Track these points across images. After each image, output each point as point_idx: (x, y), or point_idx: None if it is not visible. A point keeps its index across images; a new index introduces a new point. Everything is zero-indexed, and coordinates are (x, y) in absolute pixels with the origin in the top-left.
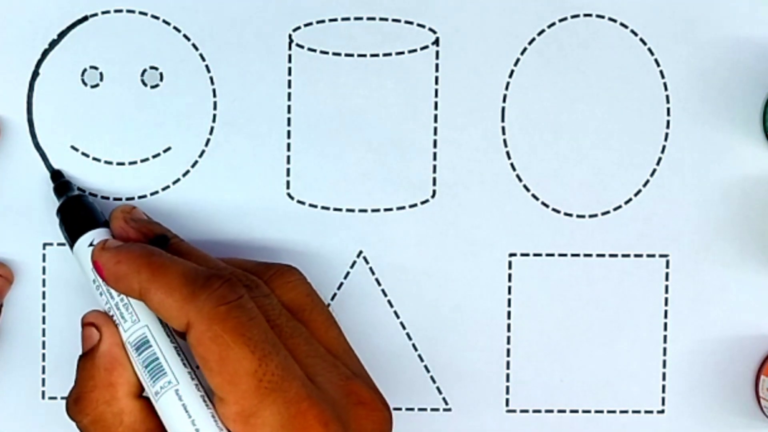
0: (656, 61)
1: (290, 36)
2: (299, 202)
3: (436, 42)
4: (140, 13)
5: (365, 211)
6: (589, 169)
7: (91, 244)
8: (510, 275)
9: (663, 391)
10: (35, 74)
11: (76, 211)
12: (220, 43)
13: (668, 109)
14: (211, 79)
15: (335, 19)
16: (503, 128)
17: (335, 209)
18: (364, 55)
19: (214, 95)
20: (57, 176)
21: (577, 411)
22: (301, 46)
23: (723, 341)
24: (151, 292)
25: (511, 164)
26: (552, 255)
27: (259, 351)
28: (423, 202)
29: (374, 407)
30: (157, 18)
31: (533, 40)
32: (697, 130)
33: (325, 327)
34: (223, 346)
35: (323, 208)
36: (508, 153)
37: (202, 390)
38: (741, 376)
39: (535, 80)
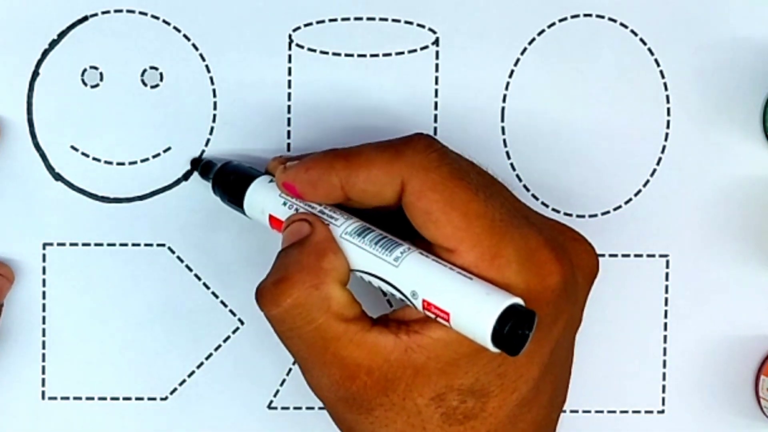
0: (656, 61)
1: (290, 36)
2: None
3: (436, 42)
4: (140, 13)
5: None
6: (589, 169)
7: (270, 180)
8: None
9: (663, 391)
10: (35, 74)
11: (228, 176)
12: (220, 43)
13: (668, 109)
14: (211, 79)
15: (335, 19)
16: (503, 128)
17: None
18: (364, 55)
19: (214, 95)
20: (196, 163)
21: (577, 411)
22: (301, 46)
23: (723, 341)
24: (352, 176)
25: (511, 164)
26: None
27: (481, 192)
28: None
29: (587, 242)
30: (157, 18)
31: (533, 40)
32: (697, 130)
33: (499, 182)
34: (446, 193)
35: None
36: (508, 153)
37: (425, 253)
38: (741, 376)
39: (535, 80)
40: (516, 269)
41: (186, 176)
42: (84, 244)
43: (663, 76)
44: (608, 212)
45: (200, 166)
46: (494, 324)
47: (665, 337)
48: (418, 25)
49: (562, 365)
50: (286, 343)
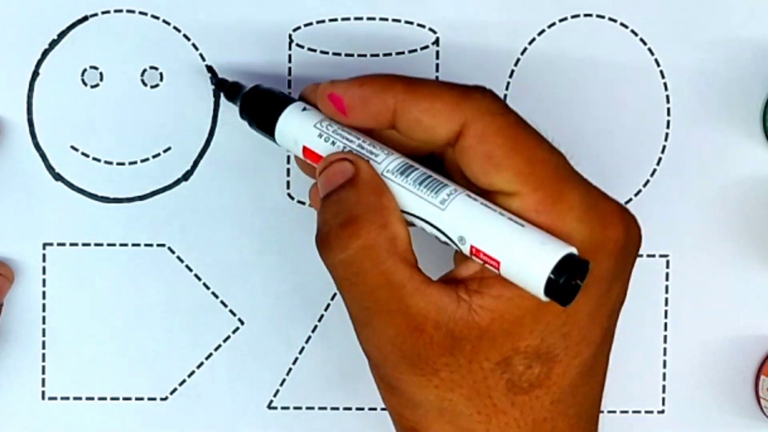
0: (656, 61)
1: (290, 36)
2: (299, 202)
3: (436, 42)
4: (140, 13)
5: None
6: (589, 169)
7: (304, 109)
8: None
9: (663, 391)
10: (35, 74)
11: (259, 100)
12: (220, 43)
13: (668, 109)
14: (211, 79)
15: (335, 19)
16: None
17: None
18: (364, 55)
19: (214, 95)
20: (222, 84)
21: None
22: (301, 46)
23: (723, 341)
24: (412, 103)
25: None
26: None
27: (545, 142)
28: None
29: (634, 216)
30: (157, 18)
31: (533, 40)
32: (697, 130)
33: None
34: (511, 138)
35: None
36: None
37: (471, 192)
38: (741, 376)
39: (535, 80)
40: (578, 215)
41: (186, 176)
42: (84, 244)
43: (663, 76)
44: None
45: (226, 87)
46: (548, 275)
47: (665, 337)
48: (418, 25)
49: (612, 338)
50: (349, 291)
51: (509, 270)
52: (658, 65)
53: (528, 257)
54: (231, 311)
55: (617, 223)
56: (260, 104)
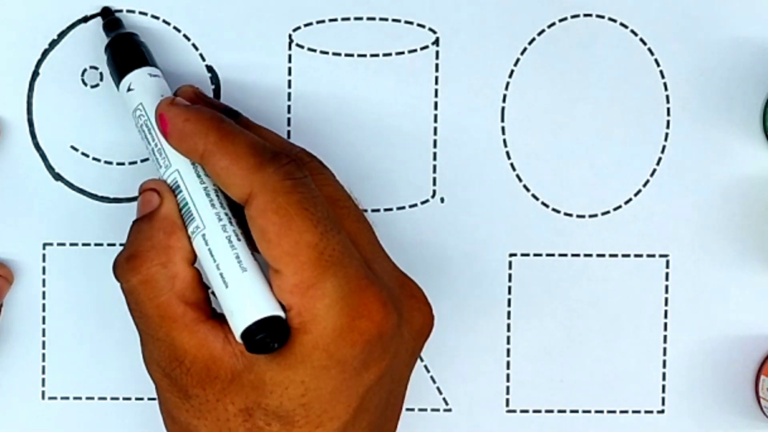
0: (656, 61)
1: (290, 36)
2: None
3: (436, 42)
4: (140, 13)
5: (365, 211)
6: (589, 169)
7: (129, 89)
8: (510, 275)
9: (663, 391)
10: (35, 74)
11: (127, 48)
12: (220, 43)
13: (668, 109)
14: (211, 79)
15: (335, 19)
16: (503, 128)
17: None
18: (364, 55)
19: (214, 95)
20: (107, 13)
21: (577, 411)
22: (301, 46)
23: (723, 341)
24: (216, 157)
25: (511, 164)
26: (552, 255)
27: (321, 226)
28: (423, 202)
29: (425, 302)
30: (157, 18)
31: (533, 40)
32: (697, 130)
33: (361, 225)
34: (286, 218)
35: None
36: (508, 153)
37: (229, 231)
38: (741, 376)
39: (535, 80)
40: (328, 303)
41: None
42: (84, 244)
43: (663, 76)
44: (608, 212)
45: (108, 18)
46: (240, 332)
47: (665, 337)
48: (418, 25)
49: (382, 412)
50: (132, 314)
51: (223, 306)
52: (658, 65)
53: (228, 312)
54: None
55: (370, 318)
56: (117, 55)
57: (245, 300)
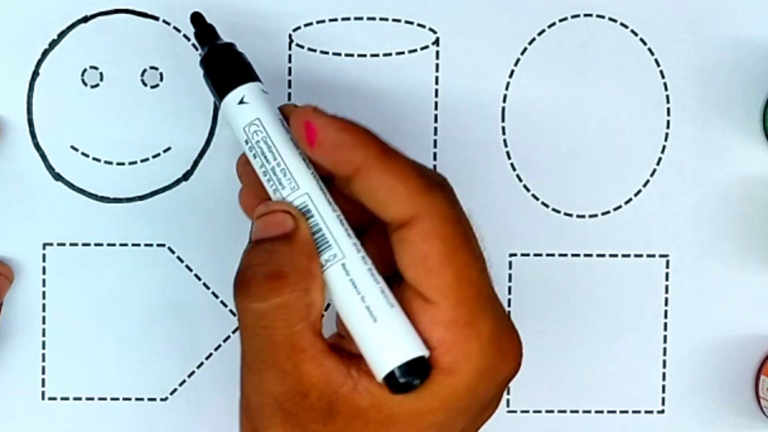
0: (656, 61)
1: (290, 36)
2: None
3: (436, 42)
4: (140, 13)
5: None
6: (589, 169)
7: (241, 101)
8: (510, 275)
9: (663, 391)
10: (35, 74)
11: (231, 60)
12: None
13: (668, 109)
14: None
15: (335, 19)
16: (503, 128)
17: None
18: (364, 55)
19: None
20: (199, 20)
21: (577, 411)
22: (301, 46)
23: (723, 341)
24: (377, 172)
25: (511, 164)
26: (552, 255)
27: (479, 263)
28: None
29: (521, 348)
30: (157, 18)
31: (533, 40)
32: (697, 130)
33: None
34: (452, 248)
35: None
36: (508, 153)
37: (369, 263)
38: (741, 376)
39: (535, 80)
40: (482, 344)
41: (186, 176)
42: (84, 244)
43: (663, 76)
44: (608, 212)
45: (199, 28)
46: (388, 371)
47: (665, 337)
48: (418, 25)
49: None
50: (251, 339)
51: (362, 351)
52: (658, 65)
53: (369, 355)
54: (231, 311)
55: (513, 359)
56: (218, 68)
57: (395, 337)
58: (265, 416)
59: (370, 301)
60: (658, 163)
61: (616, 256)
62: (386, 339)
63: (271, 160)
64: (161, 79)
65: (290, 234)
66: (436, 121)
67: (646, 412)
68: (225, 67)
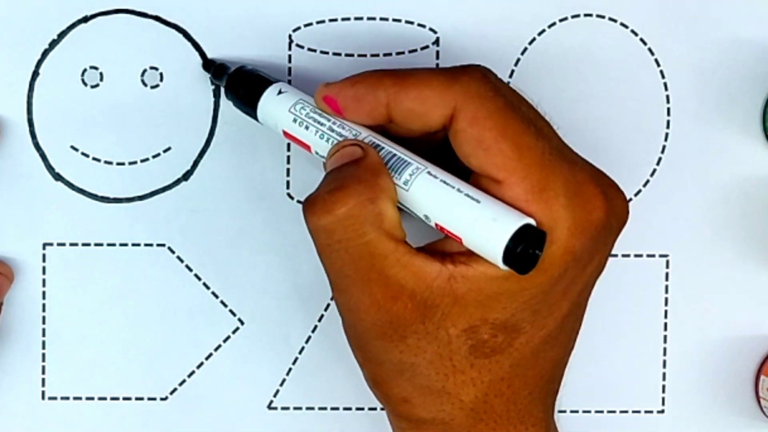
0: (656, 61)
1: (290, 36)
2: (299, 202)
3: (436, 42)
4: (140, 13)
5: None
6: None
7: (280, 92)
8: None
9: (663, 391)
10: (35, 74)
11: (244, 80)
12: (220, 43)
13: (668, 109)
14: (211, 79)
15: (335, 19)
16: None
17: None
18: (364, 55)
19: (214, 95)
20: (209, 65)
21: (577, 411)
22: (301, 46)
23: (723, 341)
24: (402, 93)
25: None
26: None
27: (532, 126)
28: None
29: (621, 190)
30: (157, 18)
31: (533, 40)
32: (697, 130)
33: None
34: (501, 121)
35: None
36: None
37: (445, 174)
38: (741, 376)
39: (535, 80)
40: (563, 203)
41: (186, 176)
42: (84, 244)
43: (663, 76)
44: None
45: (213, 68)
46: (505, 245)
47: (665, 337)
48: (419, 25)
49: (583, 308)
50: (330, 257)
51: (471, 244)
52: (658, 65)
53: (484, 232)
54: (231, 311)
55: (599, 208)
56: (243, 86)
57: (502, 209)
58: (363, 330)
59: (467, 191)
60: (658, 163)
61: (616, 256)
62: (497, 210)
63: (325, 122)
64: (161, 79)
65: (358, 159)
66: None
67: (646, 412)
68: (252, 79)
